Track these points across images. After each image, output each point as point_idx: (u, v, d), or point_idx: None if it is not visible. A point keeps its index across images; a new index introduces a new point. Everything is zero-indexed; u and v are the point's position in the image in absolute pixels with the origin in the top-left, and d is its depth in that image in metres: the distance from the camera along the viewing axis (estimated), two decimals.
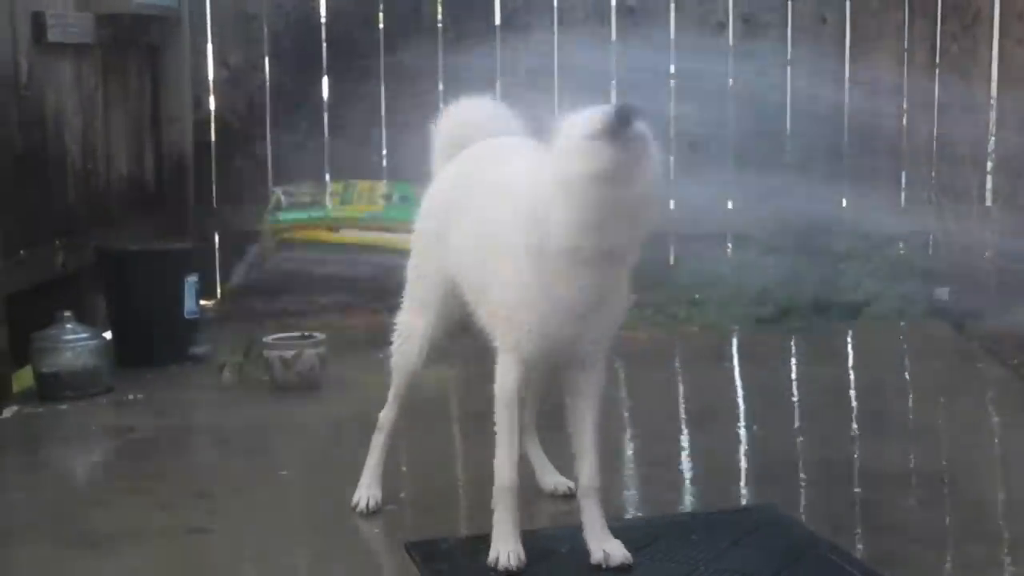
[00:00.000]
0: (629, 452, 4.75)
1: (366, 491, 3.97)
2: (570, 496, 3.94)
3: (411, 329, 3.87)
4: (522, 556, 3.48)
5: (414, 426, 4.32)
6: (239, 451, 4.68)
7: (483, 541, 3.55)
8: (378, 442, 4.01)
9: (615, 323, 3.54)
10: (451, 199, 3.77)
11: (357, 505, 3.95)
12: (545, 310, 3.37)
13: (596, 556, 3.50)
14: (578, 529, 3.58)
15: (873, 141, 7.79)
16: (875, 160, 7.80)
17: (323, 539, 3.82)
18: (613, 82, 7.72)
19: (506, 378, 3.49)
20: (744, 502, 4.16)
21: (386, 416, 4.00)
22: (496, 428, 3.51)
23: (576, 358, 3.53)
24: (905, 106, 7.75)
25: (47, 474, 4.56)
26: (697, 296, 7.11)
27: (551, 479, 4.13)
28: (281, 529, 3.91)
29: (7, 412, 5.19)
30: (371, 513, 3.93)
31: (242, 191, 7.63)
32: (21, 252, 5.62)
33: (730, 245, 7.69)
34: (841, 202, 7.71)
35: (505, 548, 3.48)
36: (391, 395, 3.97)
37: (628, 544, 3.57)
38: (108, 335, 5.78)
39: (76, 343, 5.44)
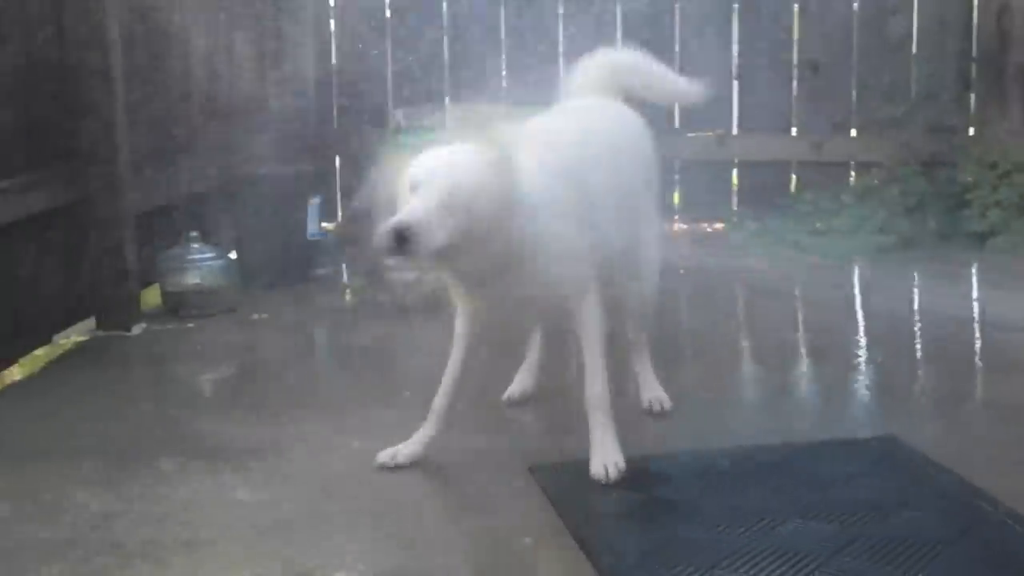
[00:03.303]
0: (750, 380, 4.73)
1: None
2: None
3: None
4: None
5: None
6: (362, 370, 4.74)
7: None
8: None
9: (551, 284, 3.61)
10: None
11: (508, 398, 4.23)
12: None
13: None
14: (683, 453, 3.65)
15: (1003, 67, 7.59)
16: (1003, 87, 7.61)
17: (446, 458, 3.87)
18: (735, 6, 7.62)
19: None
20: (866, 433, 4.13)
21: None
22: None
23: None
24: None
25: (175, 389, 4.67)
26: (818, 225, 7.04)
27: (646, 395, 4.21)
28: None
29: (136, 329, 5.31)
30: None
31: (363, 114, 7.66)
32: (148, 173, 5.71)
33: (852, 173, 7.58)
34: (968, 130, 7.54)
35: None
36: None
37: (751, 471, 3.61)
38: (233, 255, 5.87)
39: (202, 263, 5.54)
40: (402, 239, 3.24)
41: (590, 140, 3.88)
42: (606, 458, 3.64)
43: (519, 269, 3.50)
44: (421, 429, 3.83)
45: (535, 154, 3.58)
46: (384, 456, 3.80)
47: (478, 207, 3.33)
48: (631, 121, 4.18)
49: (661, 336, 4.21)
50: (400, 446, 3.81)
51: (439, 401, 3.83)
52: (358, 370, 4.79)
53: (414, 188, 3.35)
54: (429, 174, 3.35)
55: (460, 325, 3.82)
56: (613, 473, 3.61)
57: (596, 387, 3.70)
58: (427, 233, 3.25)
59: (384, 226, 3.27)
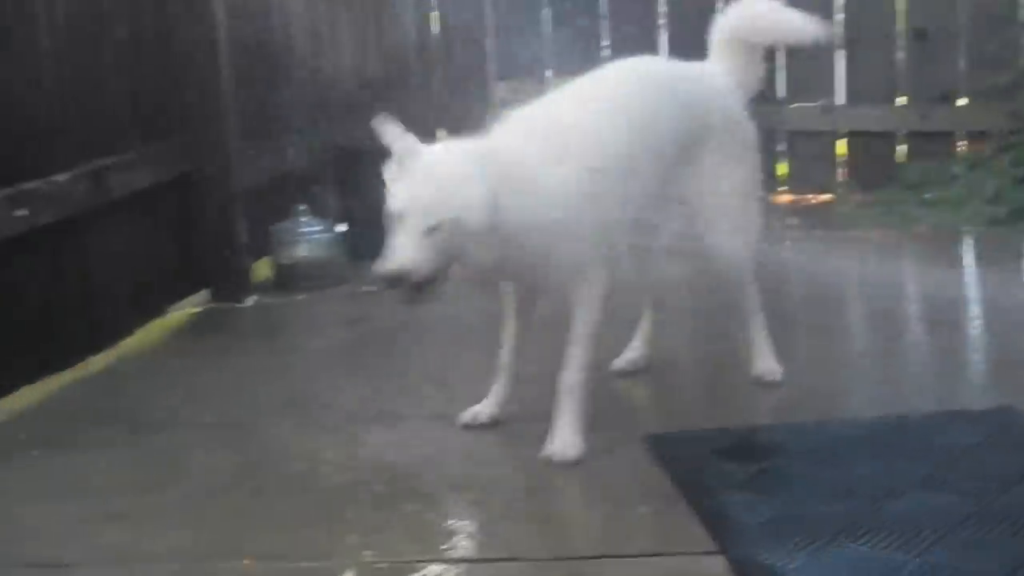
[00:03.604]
0: (860, 352, 4.69)
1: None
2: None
3: None
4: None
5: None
6: (473, 343, 4.75)
7: (718, 434, 3.59)
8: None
9: (549, 272, 3.60)
10: None
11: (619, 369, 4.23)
12: None
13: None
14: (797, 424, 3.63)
15: None
16: None
17: None
18: None
19: None
20: (981, 404, 4.08)
21: None
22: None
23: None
24: None
25: (289, 360, 4.72)
26: (927, 196, 6.94)
27: (758, 367, 4.18)
28: (518, 419, 3.95)
29: (248, 301, 5.39)
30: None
31: (465, 85, 7.68)
32: (257, 147, 5.77)
33: (962, 143, 7.46)
34: None
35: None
36: None
37: (867, 443, 3.59)
38: (342, 228, 5.91)
39: (312, 236, 5.60)
40: (397, 283, 3.31)
41: (603, 114, 3.75)
42: (564, 441, 3.60)
43: (517, 259, 3.50)
44: (493, 388, 3.88)
45: (532, 140, 3.57)
46: (466, 417, 3.88)
47: (463, 219, 3.32)
48: (688, 84, 4.03)
49: (769, 307, 4.17)
50: (478, 407, 3.87)
51: (503, 358, 3.88)
52: (466, 342, 4.81)
53: (397, 218, 3.36)
54: (407, 203, 3.35)
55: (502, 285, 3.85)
56: (560, 458, 3.57)
57: (573, 373, 3.65)
58: (418, 270, 3.30)
59: (377, 269, 3.36)
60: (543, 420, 3.65)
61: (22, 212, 4.15)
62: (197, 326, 5.13)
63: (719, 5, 6.09)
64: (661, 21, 7.54)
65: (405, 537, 3.18)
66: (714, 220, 4.00)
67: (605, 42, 7.60)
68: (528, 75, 7.48)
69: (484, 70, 7.71)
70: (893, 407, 3.98)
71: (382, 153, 3.51)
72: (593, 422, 3.85)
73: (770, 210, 6.53)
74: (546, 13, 7.67)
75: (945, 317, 5.10)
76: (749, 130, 4.13)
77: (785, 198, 7.41)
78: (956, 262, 6.09)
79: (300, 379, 4.45)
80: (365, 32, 7.31)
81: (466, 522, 3.28)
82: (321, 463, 3.66)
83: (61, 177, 4.40)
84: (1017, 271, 5.90)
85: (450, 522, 3.28)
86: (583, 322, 3.65)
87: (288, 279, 5.58)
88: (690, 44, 4.55)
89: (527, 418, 3.84)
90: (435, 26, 7.78)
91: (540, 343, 3.83)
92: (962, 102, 7.50)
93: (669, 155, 3.85)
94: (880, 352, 4.67)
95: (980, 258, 6.19)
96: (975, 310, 5.24)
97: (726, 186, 4.02)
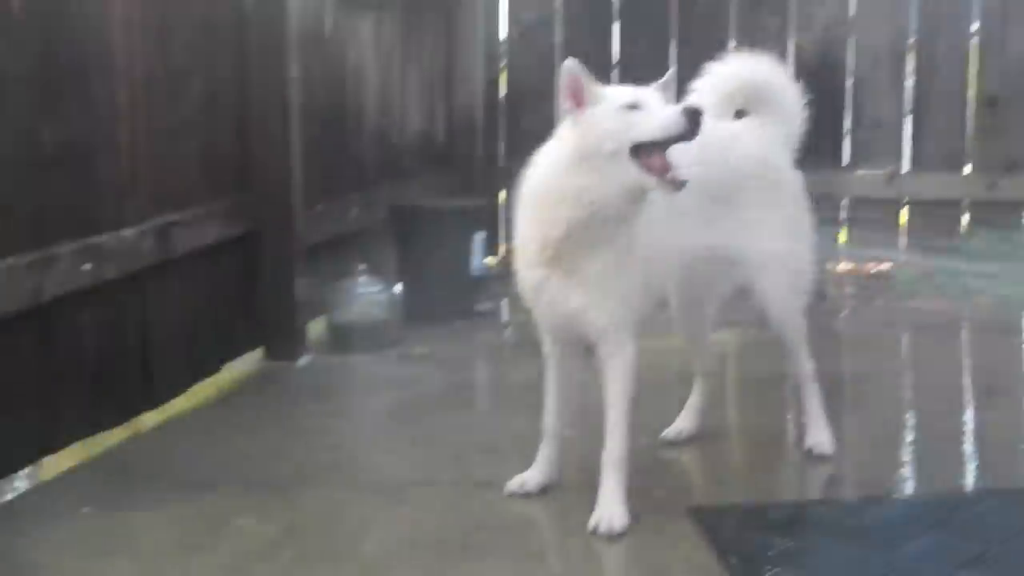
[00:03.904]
0: (915, 426, 4.63)
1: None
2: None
3: None
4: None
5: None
6: (522, 407, 4.74)
7: (765, 508, 3.56)
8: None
9: (597, 307, 3.56)
10: None
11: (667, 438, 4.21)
12: None
13: None
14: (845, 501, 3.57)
15: None
16: None
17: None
18: (911, 41, 7.49)
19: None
20: None
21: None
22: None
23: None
24: None
25: (339, 421, 4.73)
26: (990, 266, 6.86)
27: (809, 439, 4.15)
28: (566, 486, 3.93)
29: (302, 361, 5.41)
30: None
31: (530, 148, 7.69)
32: (319, 206, 5.82)
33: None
34: None
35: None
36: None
37: (916, 520, 3.55)
38: (398, 289, 5.94)
39: (368, 296, 5.63)
40: (696, 117, 3.36)
41: None
42: (610, 513, 3.57)
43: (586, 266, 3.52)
44: (540, 453, 3.87)
45: None
46: (513, 485, 3.85)
47: None
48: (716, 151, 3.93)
49: (822, 378, 4.13)
50: (526, 474, 3.84)
51: (548, 421, 3.86)
52: (516, 407, 4.81)
53: (637, 105, 3.44)
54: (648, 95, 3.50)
55: (545, 344, 3.84)
56: (605, 529, 3.54)
57: (615, 444, 3.62)
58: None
59: (673, 109, 3.43)
60: (591, 487, 3.63)
61: (87, 266, 4.20)
62: (251, 384, 5.15)
63: None
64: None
65: None
66: (762, 269, 3.99)
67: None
68: None
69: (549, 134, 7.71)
70: (944, 484, 3.94)
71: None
72: (641, 492, 3.84)
73: (829, 279, 6.52)
74: (614, 74, 7.69)
75: (1000, 390, 5.04)
76: (792, 181, 4.12)
77: (845, 267, 7.36)
78: (1015, 335, 6.02)
79: (349, 442, 4.46)
80: (433, 94, 7.38)
81: None
82: (366, 529, 3.65)
83: (128, 231, 4.46)
84: None
85: None
86: (618, 387, 3.62)
87: (343, 339, 5.61)
88: None
89: (574, 485, 3.83)
90: (504, 89, 7.84)
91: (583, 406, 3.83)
92: None
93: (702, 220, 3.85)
94: (933, 426, 4.60)
95: None
96: None
97: (771, 235, 4.01)
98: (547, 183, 3.56)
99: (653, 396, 3.98)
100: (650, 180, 3.40)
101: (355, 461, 4.23)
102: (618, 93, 3.53)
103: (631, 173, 3.40)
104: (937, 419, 4.68)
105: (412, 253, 6.17)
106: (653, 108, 3.44)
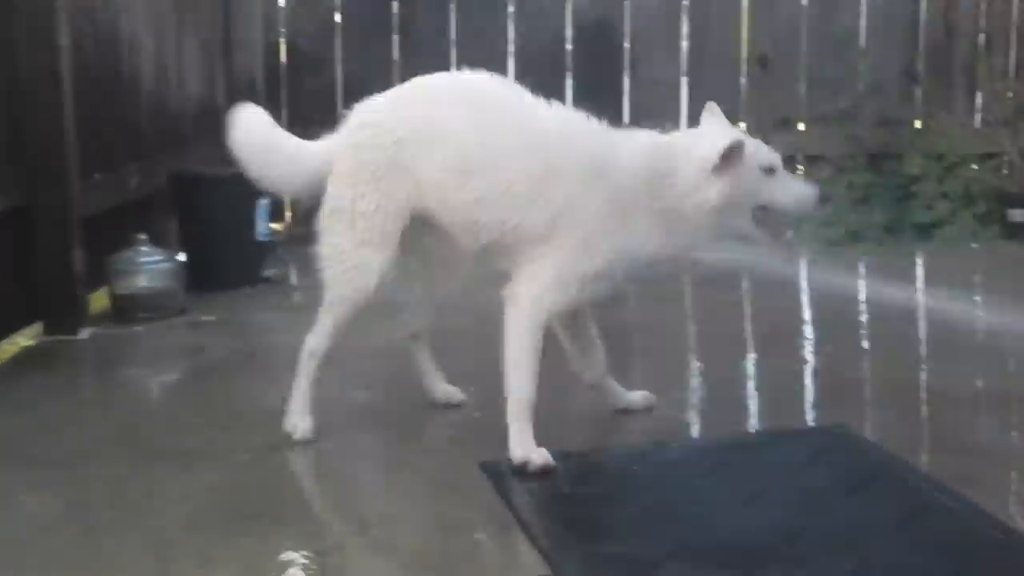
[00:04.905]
0: (693, 373, 4.75)
1: (299, 419, 4.00)
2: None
3: (367, 262, 3.86)
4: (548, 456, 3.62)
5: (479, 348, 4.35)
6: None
7: (557, 458, 3.62)
8: (310, 368, 4.01)
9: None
10: (415, 132, 3.83)
11: (293, 433, 3.97)
12: None
13: None
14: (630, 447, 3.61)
15: (949, 60, 7.67)
16: (949, 80, 7.69)
17: (396, 455, 3.89)
18: (685, 3, 7.65)
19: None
20: (814, 423, 4.16)
21: (320, 345, 3.99)
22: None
23: None
24: (983, 25, 7.63)
25: (123, 393, 4.63)
26: None
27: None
28: (356, 448, 3.96)
29: (84, 333, 5.28)
30: (306, 442, 3.94)
31: (312, 113, 7.64)
32: (96, 176, 5.67)
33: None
34: (914, 123, 7.61)
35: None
36: (330, 325, 3.96)
37: (702, 461, 3.65)
38: (181, 258, 5.83)
39: (151, 265, 5.52)
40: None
41: None
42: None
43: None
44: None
45: None
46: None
47: None
48: None
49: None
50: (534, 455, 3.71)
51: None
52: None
53: (773, 168, 3.65)
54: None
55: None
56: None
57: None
58: None
59: (808, 186, 3.72)
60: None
61: None
62: (29, 359, 5.00)
63: None
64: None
65: (240, 569, 3.13)
66: None
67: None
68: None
69: (333, 98, 7.68)
70: (729, 427, 4.06)
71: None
72: (429, 449, 3.86)
73: None
74: (394, 40, 7.67)
75: (780, 335, 5.21)
76: None
77: None
78: (793, 281, 6.21)
79: (132, 414, 4.36)
80: (212, 60, 7.25)
81: (304, 552, 3.22)
82: (150, 500, 3.58)
83: None
84: (850, 291, 6.05)
85: (288, 554, 3.22)
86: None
87: (126, 310, 5.49)
88: None
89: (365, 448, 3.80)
90: (283, 53, 7.75)
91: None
92: (801, 127, 7.69)
93: None
94: (715, 372, 4.72)
95: (815, 278, 6.32)
96: (810, 330, 5.35)
97: None
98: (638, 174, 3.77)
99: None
100: (763, 237, 3.67)
101: (138, 432, 4.13)
102: (755, 152, 3.64)
103: (746, 226, 3.65)
104: (718, 365, 4.80)
105: (195, 221, 6.08)
106: (783, 175, 3.67)
